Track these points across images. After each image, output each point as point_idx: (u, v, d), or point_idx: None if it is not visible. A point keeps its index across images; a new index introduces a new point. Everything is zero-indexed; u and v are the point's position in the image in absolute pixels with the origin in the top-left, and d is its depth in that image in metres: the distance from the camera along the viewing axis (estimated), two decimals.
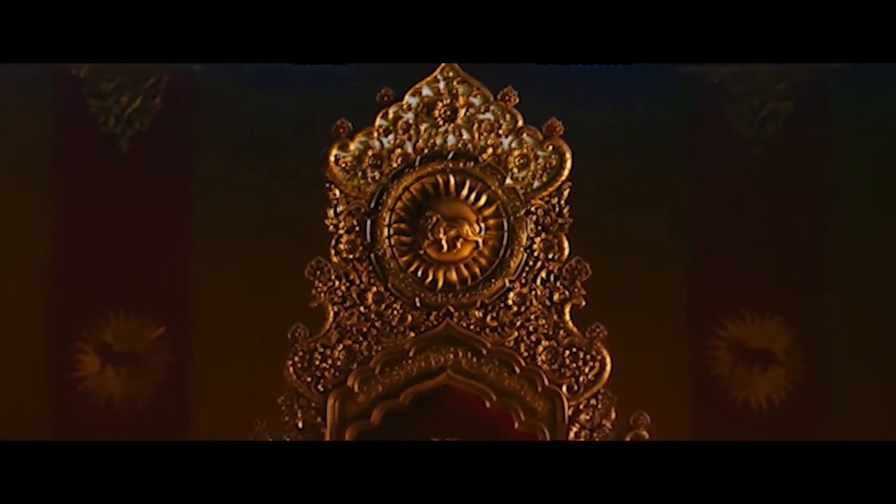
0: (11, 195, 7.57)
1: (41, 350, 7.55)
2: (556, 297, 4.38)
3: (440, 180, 4.40)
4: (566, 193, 4.46)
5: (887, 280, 7.55)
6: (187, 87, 7.73)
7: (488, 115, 4.45)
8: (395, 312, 4.41)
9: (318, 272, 4.42)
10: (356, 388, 4.36)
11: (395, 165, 4.43)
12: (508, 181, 4.41)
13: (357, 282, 4.43)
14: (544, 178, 4.42)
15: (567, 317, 4.40)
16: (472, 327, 4.38)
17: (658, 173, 7.58)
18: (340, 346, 4.38)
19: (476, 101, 4.47)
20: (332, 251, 4.42)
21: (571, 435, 4.44)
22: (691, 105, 7.71)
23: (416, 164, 4.42)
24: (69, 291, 7.59)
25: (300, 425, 4.41)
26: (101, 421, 7.51)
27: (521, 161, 4.42)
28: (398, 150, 4.44)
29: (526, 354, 4.36)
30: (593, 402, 4.41)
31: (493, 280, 4.39)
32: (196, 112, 7.77)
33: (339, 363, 4.39)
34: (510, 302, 4.38)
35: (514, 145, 4.44)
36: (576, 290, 4.43)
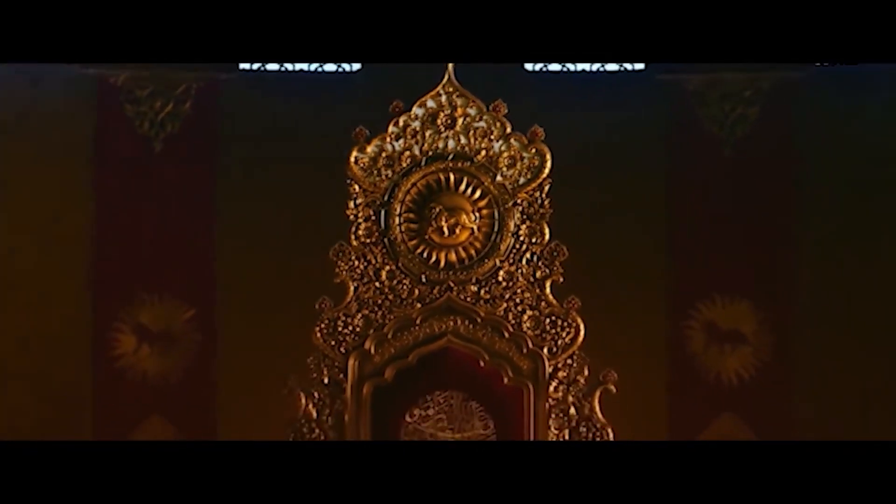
0: (57, 191, 8.09)
1: (84, 331, 8.10)
2: (538, 274, 5.00)
3: (442, 177, 5.08)
4: (547, 188, 5.03)
5: (846, 268, 8.04)
6: (214, 93, 8.29)
7: (482, 123, 5.10)
8: (405, 287, 5.07)
9: (341, 254, 5.01)
10: (372, 350, 5.00)
11: (404, 165, 5.11)
12: (499, 178, 5.09)
13: (373, 262, 5.06)
14: (528, 176, 5.06)
15: (548, 290, 5.00)
16: (468, 299, 5.03)
17: (637, 171, 8.10)
18: (359, 315, 5.03)
19: (472, 111, 5.09)
20: (353, 236, 5.04)
21: (551, 389, 4.99)
22: (669, 109, 8.31)
23: (422, 164, 5.11)
24: (108, 278, 8.13)
25: (325, 381, 4.96)
26: (137, 394, 8.03)
27: (509, 161, 5.09)
28: (407, 153, 5.10)
29: (513, 322, 5.02)
30: (569, 361, 4.98)
31: (486, 260, 5.05)
32: (222, 115, 8.31)
33: (358, 329, 5.01)
34: (500, 278, 5.05)
35: (503, 148, 5.10)
36: (555, 268, 5.01)
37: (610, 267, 8.00)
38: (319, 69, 8.74)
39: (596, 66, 8.74)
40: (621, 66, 8.74)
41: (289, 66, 8.78)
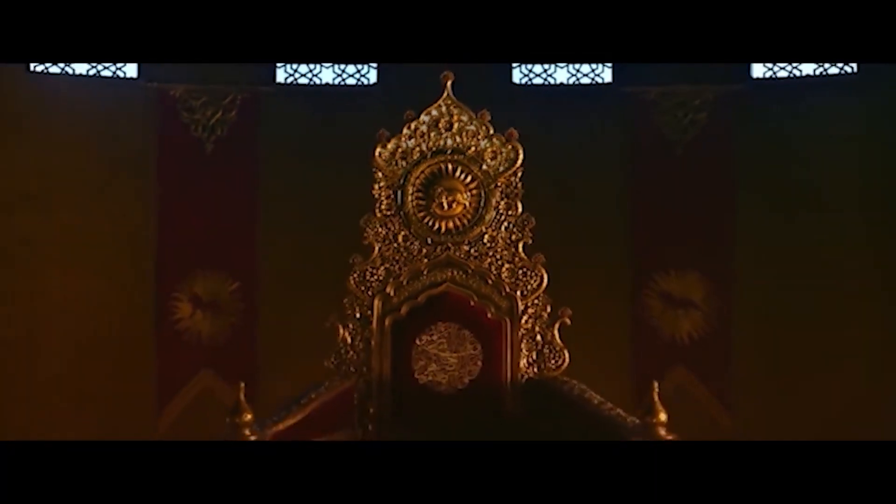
0: (127, 186, 8.66)
1: (150, 300, 8.68)
2: (513, 237, 5.85)
3: (443, 167, 5.92)
4: (520, 174, 5.83)
5: (776, 247, 8.56)
6: (256, 103, 8.86)
7: (472, 127, 5.91)
8: (415, 247, 5.89)
9: (368, 223, 5.82)
10: (392, 293, 5.81)
11: (415, 157, 5.93)
12: (484, 167, 5.91)
13: (392, 228, 5.87)
14: (506, 165, 5.89)
15: (520, 249, 5.83)
16: (462, 256, 5.88)
17: (604, 166, 8.74)
18: (382, 268, 5.86)
19: (464, 118, 5.91)
20: (377, 210, 5.87)
21: (523, 321, 5.77)
22: (631, 115, 8.89)
23: (428, 156, 5.93)
24: (169, 256, 8.70)
25: (357, 316, 5.78)
26: (192, 351, 8.64)
27: (492, 155, 5.91)
28: (417, 149, 5.91)
29: (495, 272, 5.86)
30: (536, 301, 5.81)
31: (475, 227, 5.89)
32: (262, 121, 8.83)
33: (381, 278, 5.85)
34: (485, 241, 5.89)
35: (487, 145, 5.92)
36: (525, 233, 5.82)
37: (581, 248, 8.42)
38: (343, 83, 9.01)
39: (572, 80, 9.05)
40: (592, 80, 9.03)
41: (317, 81, 9.01)
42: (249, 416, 4.99)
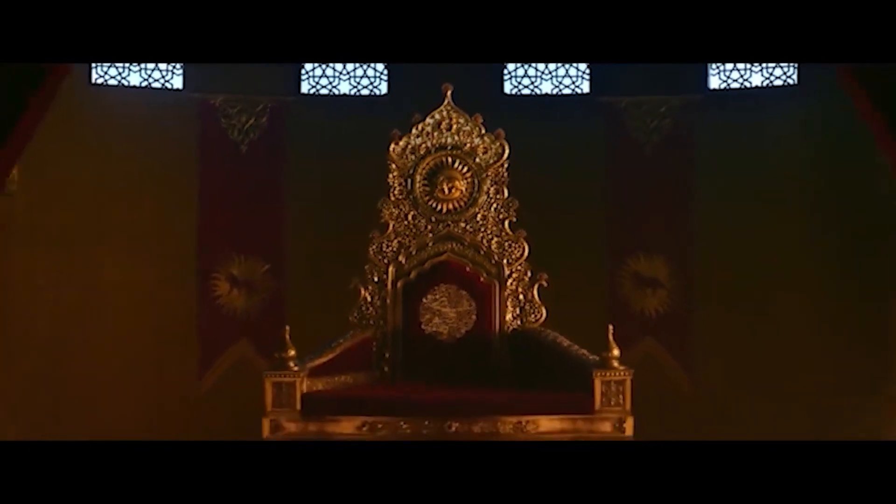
0: (173, 181, 9.18)
1: (193, 280, 9.26)
2: (500, 216, 6.68)
3: (444, 159, 6.71)
4: (506, 166, 6.62)
5: (730, 232, 9.03)
6: (283, 110, 9.35)
7: (467, 128, 6.71)
8: (422, 224, 6.71)
9: (384, 204, 6.65)
10: (403, 261, 6.68)
11: (421, 153, 6.72)
12: (477, 160, 6.69)
13: (403, 209, 6.69)
14: (495, 158, 6.69)
15: (506, 226, 6.65)
16: (459, 231, 6.70)
17: (583, 166, 9.23)
18: (396, 241, 6.71)
19: (462, 120, 6.72)
20: (391, 194, 6.69)
21: (508, 283, 6.54)
22: (606, 121, 9.38)
23: (432, 151, 6.72)
24: (210, 242, 9.22)
25: (375, 279, 6.61)
26: (230, 324, 9.16)
27: (483, 150, 6.71)
28: (423, 145, 6.71)
29: (486, 244, 6.67)
30: (519, 267, 6.64)
31: (470, 208, 6.70)
32: (289, 126, 9.31)
33: (394, 249, 6.69)
34: (478, 219, 6.70)
35: (480, 142, 6.72)
36: (510, 213, 6.63)
37: (564, 236, 8.80)
38: (358, 94, 9.44)
39: (555, 91, 9.49)
40: (573, 91, 9.52)
41: (336, 91, 9.42)
42: (293, 352, 5.98)
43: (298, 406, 5.95)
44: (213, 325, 9.21)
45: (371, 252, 6.73)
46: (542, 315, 6.71)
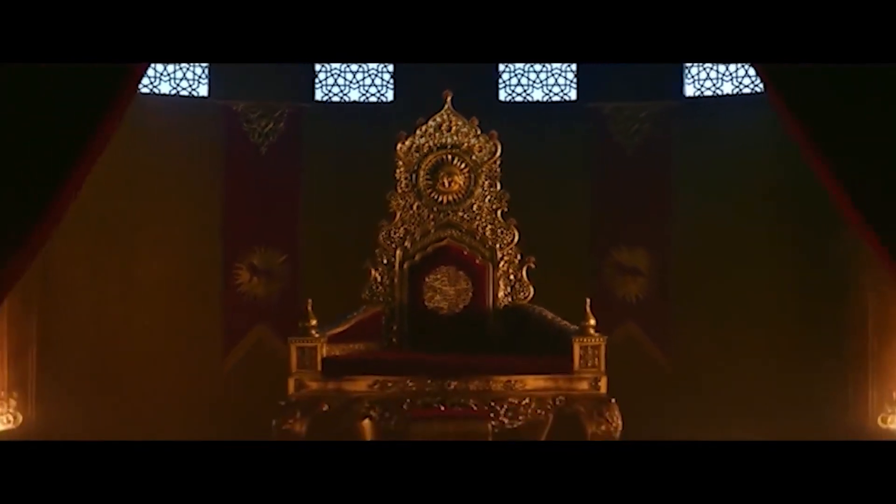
0: (200, 180, 9.46)
1: (217, 269, 9.55)
2: (494, 206, 7.23)
3: (444, 157, 7.23)
4: (499, 162, 7.15)
5: (704, 227, 9.32)
6: (300, 115, 9.61)
7: (465, 129, 7.25)
8: (425, 213, 7.25)
9: (392, 196, 7.19)
10: (409, 245, 7.23)
11: (425, 151, 7.25)
12: (473, 157, 7.25)
13: (409, 200, 7.23)
14: (489, 156, 7.25)
15: (498, 215, 7.21)
16: (458, 219, 7.24)
17: (571, 166, 9.54)
18: (402, 228, 7.27)
19: (460, 123, 7.25)
20: (398, 187, 7.22)
21: (500, 265, 7.06)
22: (591, 125, 9.64)
23: (434, 150, 7.24)
24: (233, 235, 9.50)
25: (384, 261, 7.14)
26: (250, 309, 9.48)
27: (479, 149, 7.25)
28: (426, 144, 7.24)
29: (481, 231, 7.23)
30: (510, 251, 7.20)
31: (467, 200, 7.26)
32: (305, 130, 9.60)
33: (401, 235, 7.24)
34: (474, 208, 7.24)
35: (475, 142, 7.26)
36: (502, 203, 7.16)
37: (553, 230, 8.95)
38: (367, 101, 9.64)
39: (545, 98, 9.68)
40: (561, 98, 9.74)
41: (347, 99, 9.60)
42: (314, 322, 6.61)
43: (319, 367, 6.59)
44: (236, 310, 9.52)
45: (381, 238, 7.31)
46: (530, 293, 7.28)
